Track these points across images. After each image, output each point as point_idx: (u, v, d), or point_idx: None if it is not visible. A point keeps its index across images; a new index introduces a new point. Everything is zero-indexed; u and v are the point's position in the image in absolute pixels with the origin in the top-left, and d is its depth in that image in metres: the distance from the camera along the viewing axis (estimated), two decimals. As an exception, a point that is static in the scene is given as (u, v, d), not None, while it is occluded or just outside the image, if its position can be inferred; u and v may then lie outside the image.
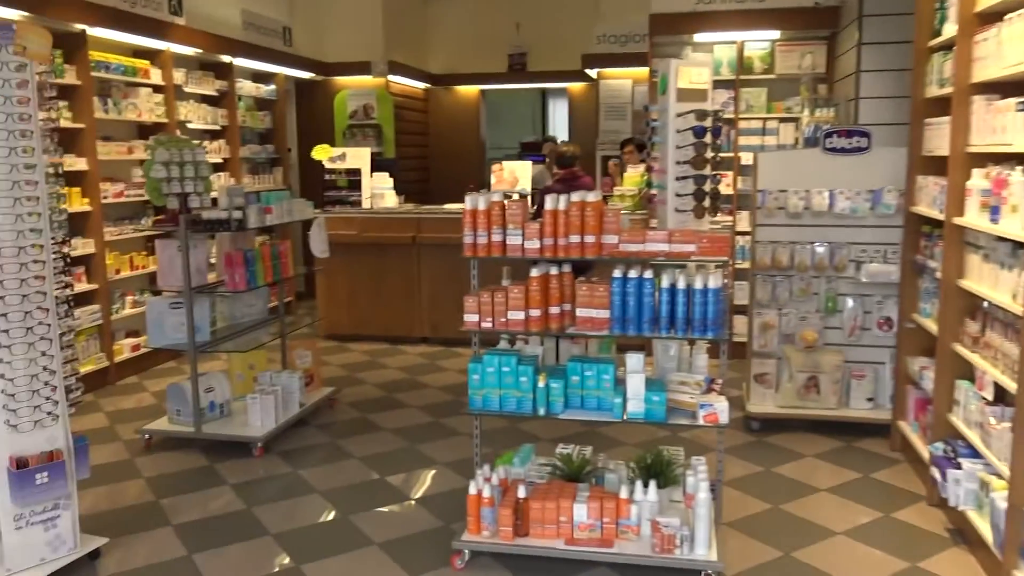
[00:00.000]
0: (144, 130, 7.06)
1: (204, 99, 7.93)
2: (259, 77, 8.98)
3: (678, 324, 3.32)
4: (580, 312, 3.45)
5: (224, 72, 8.04)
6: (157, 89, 7.01)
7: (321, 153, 7.92)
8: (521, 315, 3.43)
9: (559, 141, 10.02)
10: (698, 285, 3.27)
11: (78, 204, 6.06)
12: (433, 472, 4.64)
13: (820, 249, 5.17)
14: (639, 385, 3.37)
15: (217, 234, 5.15)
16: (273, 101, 9.02)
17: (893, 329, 5.09)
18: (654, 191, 3.98)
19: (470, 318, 3.48)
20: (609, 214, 3.37)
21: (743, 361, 5.44)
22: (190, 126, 7.51)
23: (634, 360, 3.43)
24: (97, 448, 4.99)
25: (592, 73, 9.78)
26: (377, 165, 8.06)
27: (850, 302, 5.20)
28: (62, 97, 6.05)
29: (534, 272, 3.41)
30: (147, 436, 5.02)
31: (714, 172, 3.74)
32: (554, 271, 3.45)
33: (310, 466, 4.72)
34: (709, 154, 3.70)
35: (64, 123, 5.97)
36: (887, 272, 5.03)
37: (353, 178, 7.97)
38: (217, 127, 7.97)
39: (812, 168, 5.15)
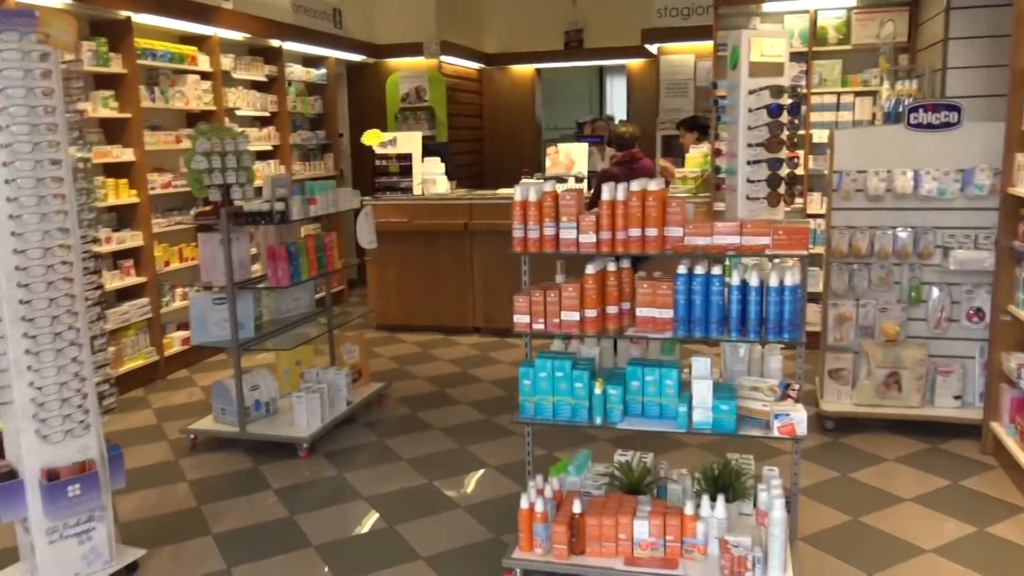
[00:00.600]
0: (192, 118, 6.94)
1: (253, 85, 7.79)
2: (309, 61, 8.81)
3: (750, 325, 2.99)
4: (641, 312, 3.15)
5: (273, 57, 7.89)
6: (205, 76, 6.87)
7: (371, 138, 7.72)
8: (576, 316, 3.14)
9: (610, 119, 9.63)
10: (773, 282, 2.93)
11: (125, 195, 5.97)
12: (484, 475, 4.41)
13: (903, 234, 4.75)
14: (706, 392, 3.05)
15: (261, 226, 5.00)
16: (323, 85, 8.85)
17: (984, 321, 4.65)
18: (722, 176, 3.62)
19: (520, 319, 3.21)
20: (673, 204, 3.05)
21: (815, 352, 5.05)
22: (239, 113, 7.37)
23: (700, 364, 3.12)
24: (142, 448, 4.90)
25: (652, 48, 9.35)
26: (428, 150, 7.81)
27: (936, 291, 4.77)
28: (108, 86, 5.95)
29: (590, 269, 3.12)
30: (192, 436, 4.90)
31: (791, 155, 3.38)
32: (612, 267, 3.15)
33: (356, 468, 4.53)
34: (785, 135, 3.33)
35: (110, 113, 5.88)
36: (979, 259, 4.59)
37: (404, 163, 7.74)
38: (267, 113, 7.83)
39: (894, 146, 4.72)
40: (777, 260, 3.10)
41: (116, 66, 5.89)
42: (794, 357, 3.23)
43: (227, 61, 7.14)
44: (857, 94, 6.39)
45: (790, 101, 3.33)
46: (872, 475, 4.25)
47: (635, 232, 3.01)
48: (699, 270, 3.01)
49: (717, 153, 3.74)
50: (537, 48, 10.99)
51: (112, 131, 6.02)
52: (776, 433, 3.01)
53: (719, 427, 3.05)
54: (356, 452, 4.77)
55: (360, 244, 5.49)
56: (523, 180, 7.46)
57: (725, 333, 3.04)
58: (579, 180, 7.20)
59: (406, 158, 7.71)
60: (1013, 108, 4.11)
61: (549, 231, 3.11)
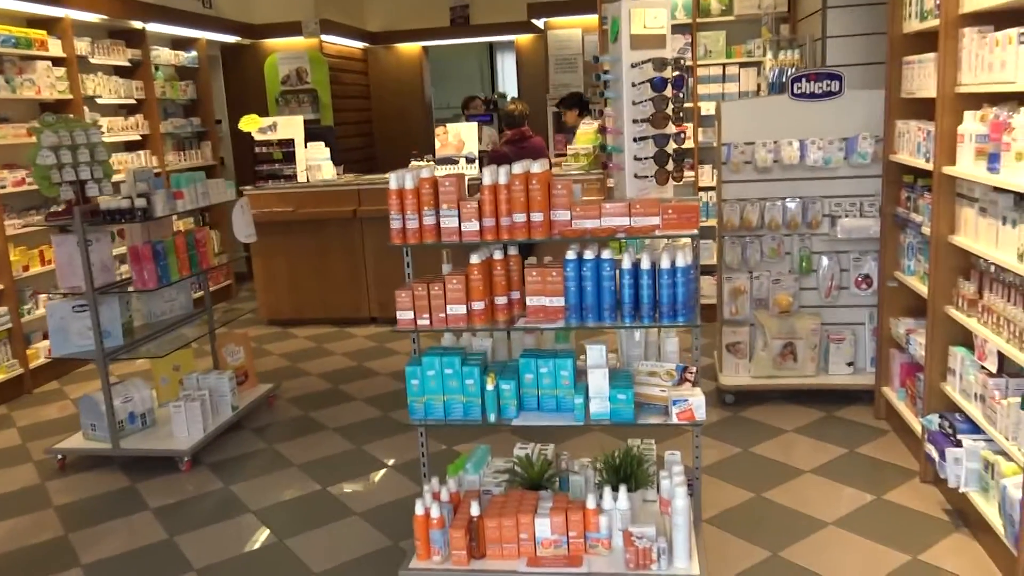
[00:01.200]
0: (47, 108, 6.38)
1: (116, 71, 7.23)
2: (178, 44, 8.26)
3: (643, 309, 2.87)
4: (531, 301, 2.98)
5: (136, 40, 7.33)
6: (58, 62, 6.30)
7: (249, 124, 7.31)
8: (463, 309, 2.95)
9: (501, 97, 9.44)
10: (664, 264, 2.82)
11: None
12: (382, 477, 4.20)
13: (792, 205, 4.75)
14: (601, 382, 2.92)
15: (124, 225, 4.60)
16: (195, 69, 8.32)
17: (872, 287, 4.71)
18: (609, 154, 3.48)
19: (404, 315, 3.00)
20: (559, 186, 2.89)
21: (712, 326, 5.02)
22: (100, 101, 6.82)
23: (595, 352, 2.98)
24: (4, 473, 4.46)
25: (539, 23, 9.19)
26: (312, 134, 7.44)
27: (825, 261, 4.81)
28: (-59, 76, 5.37)
29: (474, 258, 2.93)
30: (60, 456, 4.49)
31: (677, 130, 3.27)
32: (498, 255, 2.98)
33: (244, 479, 4.24)
34: (671, 109, 3.22)
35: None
36: (865, 227, 4.64)
37: (287, 150, 7.36)
38: (132, 101, 7.29)
39: (780, 117, 4.70)
40: (669, 240, 2.99)
41: (-52, 52, 5.32)
42: (691, 349, 3.14)
43: (83, 45, 6.58)
44: (742, 65, 6.40)
45: (674, 74, 3.21)
46: (772, 448, 4.25)
47: (520, 218, 2.84)
48: (589, 255, 2.87)
49: (603, 130, 3.59)
50: (423, 25, 10.67)
51: (-49, 125, 5.45)
52: (675, 420, 2.90)
53: (617, 417, 2.93)
54: (244, 461, 4.47)
55: (237, 238, 5.14)
56: (412, 163, 7.22)
57: (619, 319, 2.91)
58: (470, 161, 7.00)
59: (288, 144, 7.33)
60: (891, 75, 4.13)
61: (429, 220, 2.91)
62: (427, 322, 2.99)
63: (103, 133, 4.44)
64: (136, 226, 4.76)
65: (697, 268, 2.93)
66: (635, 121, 3.17)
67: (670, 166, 3.30)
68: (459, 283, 2.93)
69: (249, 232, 5.12)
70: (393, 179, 2.91)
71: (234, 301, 8.32)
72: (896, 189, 4.24)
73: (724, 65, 6.42)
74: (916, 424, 3.92)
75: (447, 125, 7.13)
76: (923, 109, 3.89)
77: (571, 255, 2.88)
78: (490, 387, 2.98)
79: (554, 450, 3.51)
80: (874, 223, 4.57)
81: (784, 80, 4.91)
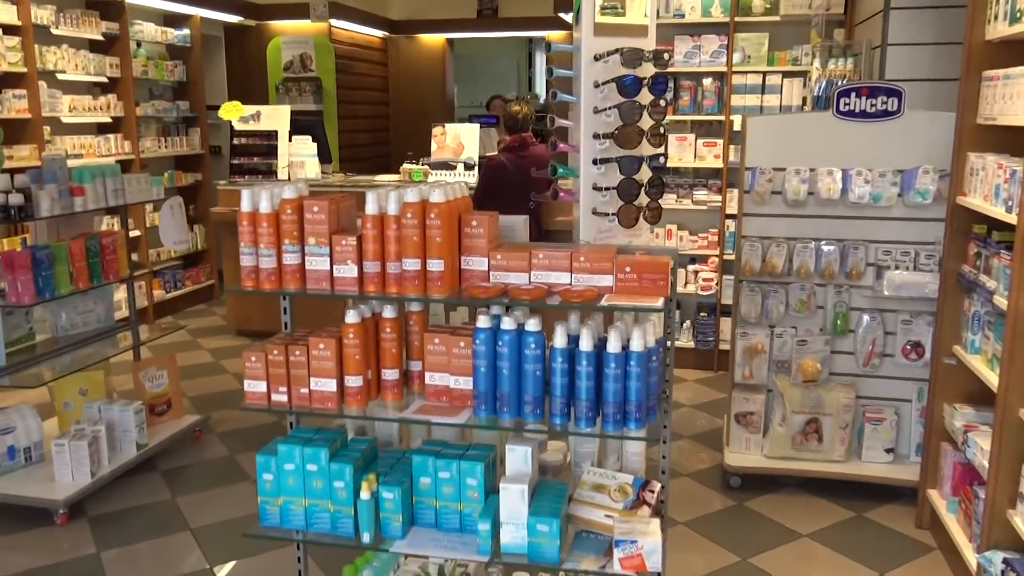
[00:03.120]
0: (0, 82, 5.72)
1: (88, 45, 6.55)
2: (171, 20, 7.58)
3: (580, 408, 2.00)
4: (431, 379, 2.14)
5: (115, 12, 6.65)
6: (10, 30, 5.63)
7: (230, 112, 6.58)
8: (332, 384, 2.12)
9: (510, 99, 8.57)
10: (612, 346, 1.94)
11: None
12: (280, 558, 3.38)
13: (828, 249, 3.82)
14: (518, 504, 2.06)
15: (34, 223, 3.89)
16: (187, 48, 7.62)
17: (924, 358, 3.76)
18: (564, 180, 2.57)
19: (253, 387, 2.17)
20: (474, 222, 2.04)
21: (722, 376, 4.09)
22: (63, 77, 6.14)
23: (516, 457, 2.12)
24: None
25: (567, 18, 8.31)
26: (298, 127, 6.68)
27: (866, 320, 3.86)
28: None
29: (351, 316, 2.09)
30: (-80, 493, 3.77)
31: (656, 152, 2.39)
32: (388, 313, 2.13)
33: (121, 543, 3.47)
34: (646, 123, 2.34)
35: None
36: (919, 283, 3.68)
37: (270, 142, 6.62)
38: (104, 79, 6.60)
39: (821, 139, 3.78)
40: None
41: None
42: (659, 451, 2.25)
43: (44, 14, 5.90)
44: (785, 74, 5.45)
45: (653, 73, 2.33)
46: (781, 561, 3.33)
47: (412, 264, 1.99)
48: (508, 323, 2.01)
49: (554, 147, 2.71)
50: (448, 15, 9.86)
51: None
52: (617, 569, 2.02)
53: (536, 556, 2.06)
54: (132, 517, 3.70)
55: (164, 244, 4.39)
56: (404, 166, 6.42)
57: (544, 418, 2.04)
58: (469, 167, 6.17)
59: (271, 136, 6.59)
60: (966, 93, 3.18)
61: (291, 258, 2.07)
62: (284, 398, 2.16)
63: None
64: (42, 225, 4.06)
65: (665, 353, 2.05)
66: (595, 136, 2.30)
67: (642, 201, 2.41)
68: (327, 348, 2.10)
69: (178, 238, 4.37)
70: (245, 197, 2.08)
71: (215, 304, 7.61)
72: (963, 241, 3.29)
73: (765, 73, 5.47)
74: (970, 556, 2.97)
75: (445, 125, 6.32)
76: (1007, 140, 2.96)
77: (483, 322, 2.03)
78: (364, 495, 2.13)
79: (479, 567, 2.65)
80: (931, 280, 3.62)
81: (830, 94, 3.98)
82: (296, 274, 2.08)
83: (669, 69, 5.49)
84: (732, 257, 5.18)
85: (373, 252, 2.02)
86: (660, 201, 2.44)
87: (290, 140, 6.56)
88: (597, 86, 2.26)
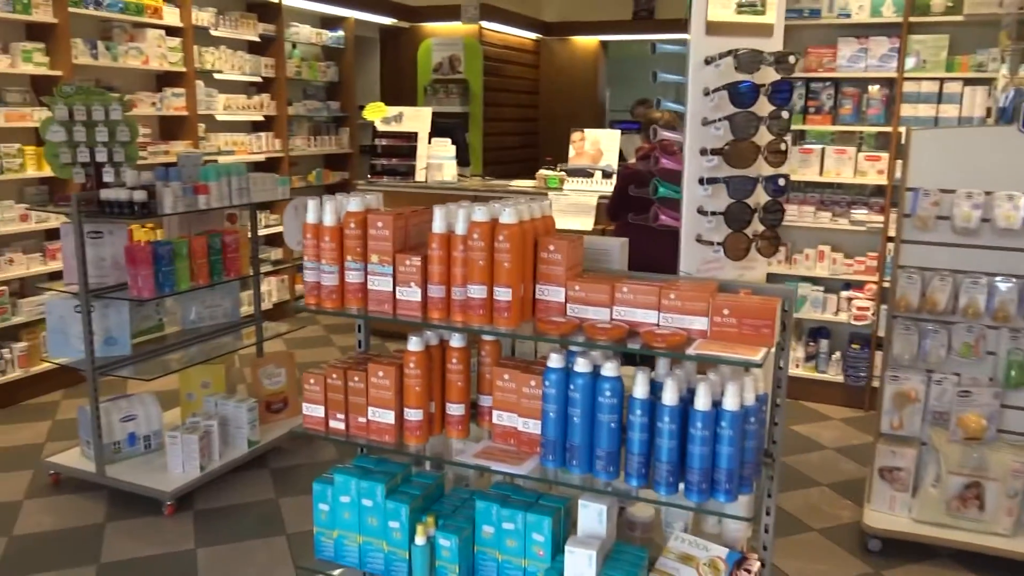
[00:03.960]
0: (161, 80, 6.04)
1: (244, 46, 6.80)
2: (328, 22, 7.78)
3: (660, 469, 1.71)
4: (498, 418, 1.91)
5: (272, 14, 6.87)
6: (173, 32, 5.92)
7: (373, 112, 6.64)
8: (390, 416, 1.94)
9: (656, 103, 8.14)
10: (700, 403, 1.64)
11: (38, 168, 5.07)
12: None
13: (1004, 288, 3.27)
14: (585, 572, 1.79)
15: (166, 218, 4.01)
16: (340, 50, 7.79)
17: (1121, 423, 3.14)
18: (662, 197, 2.24)
19: (312, 411, 2.03)
20: (552, 246, 1.79)
21: (874, 417, 3.61)
22: (219, 76, 6.41)
23: (589, 516, 1.86)
24: (0, 479, 4.01)
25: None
26: (439, 129, 6.65)
27: (1049, 372, 3.28)
28: (38, 38, 5.07)
29: (413, 343, 1.90)
30: (52, 471, 3.96)
31: (775, 173, 2.04)
32: (456, 342, 1.93)
33: (219, 541, 3.47)
34: (763, 138, 2.00)
35: (36, 69, 4.99)
36: (1119, 334, 3.08)
37: (412, 144, 6.62)
38: (258, 78, 6.84)
39: (1001, 157, 3.25)
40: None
41: (42, 14, 4.98)
42: (757, 517, 1.92)
43: (205, 16, 6.17)
44: (967, 82, 4.80)
45: (776, 79, 1.98)
46: (918, 645, 2.86)
47: (477, 292, 1.77)
48: (583, 366, 1.75)
49: (654, 160, 2.36)
50: (602, 17, 9.58)
51: (44, 90, 5.14)
52: (693, 663, 1.72)
53: (602, 633, 1.79)
54: (235, 515, 3.71)
55: (288, 243, 4.40)
56: (541, 171, 6.23)
57: (619, 476, 1.77)
58: (607, 176, 5.90)
59: (411, 137, 6.59)
60: None
61: (354, 276, 1.91)
62: (341, 426, 2.00)
63: (124, 109, 3.81)
64: (172, 221, 4.17)
65: (765, 411, 1.72)
66: (702, 152, 1.98)
67: (754, 229, 2.07)
68: (386, 377, 1.92)
69: (301, 238, 4.36)
70: (311, 208, 1.94)
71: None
72: None
73: (942, 80, 4.85)
74: None
75: (585, 131, 6.07)
76: None
77: (555, 361, 1.78)
78: (420, 540, 1.94)
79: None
80: None
81: (1017, 104, 3.41)
82: (359, 293, 1.91)
83: (829, 74, 5.02)
84: (884, 282, 4.62)
85: (439, 275, 1.82)
86: (779, 229, 2.09)
87: (430, 142, 6.53)
88: (707, 94, 1.95)
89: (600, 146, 6.03)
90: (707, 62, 1.93)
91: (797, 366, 5.21)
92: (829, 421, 4.97)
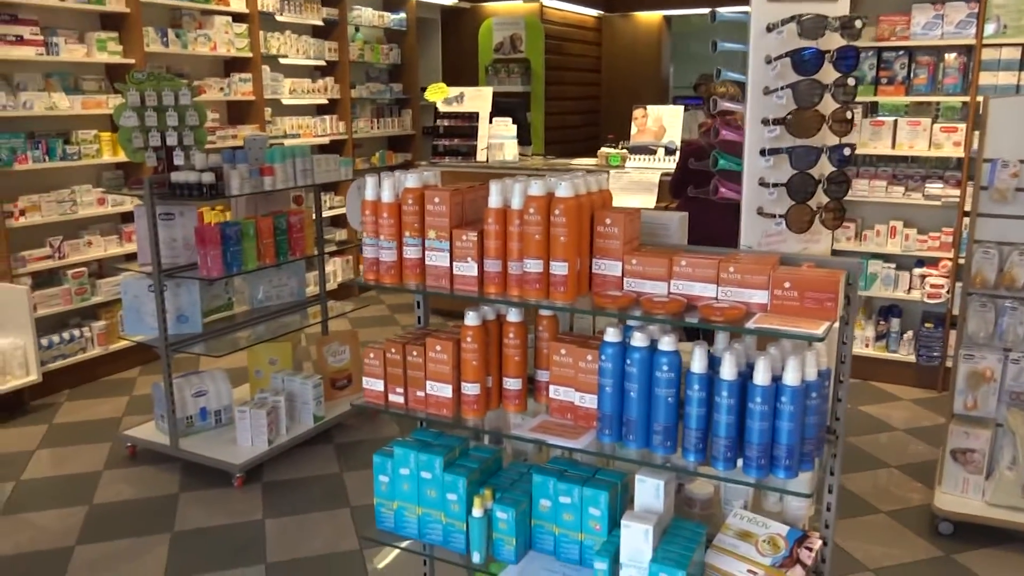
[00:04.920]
0: (228, 66, 6.18)
1: (309, 30, 6.90)
2: (389, 4, 7.83)
3: (718, 445, 1.69)
4: (555, 393, 1.92)
5: (334, -2, 6.96)
6: (239, 18, 6.04)
7: (435, 93, 6.68)
8: (447, 391, 1.96)
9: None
10: (760, 378, 1.62)
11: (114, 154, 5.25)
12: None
13: (1088, 261, 3.12)
14: (641, 544, 1.79)
15: (234, 199, 4.12)
16: (402, 32, 7.84)
17: None
18: (726, 170, 2.19)
19: (372, 385, 2.06)
20: (609, 219, 1.78)
21: (947, 398, 3.50)
22: (285, 61, 6.52)
23: (647, 491, 1.85)
24: (80, 450, 4.20)
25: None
26: (500, 108, 6.64)
27: None
28: (112, 28, 5.23)
29: (471, 318, 1.91)
30: (129, 444, 4.13)
31: (841, 143, 1.97)
32: (513, 317, 1.93)
33: (285, 512, 3.58)
34: (827, 107, 1.93)
35: (110, 58, 5.16)
36: None
37: (473, 124, 6.64)
38: (322, 62, 6.93)
39: (1086, 126, 3.09)
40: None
41: (115, 4, 5.14)
42: (822, 490, 1.88)
43: (271, 2, 6.27)
44: (1053, 48, 4.58)
45: (842, 44, 1.91)
46: (991, 631, 2.78)
47: (533, 266, 1.77)
48: (640, 339, 1.74)
49: (713, 133, 2.31)
50: (666, -8, 9.43)
51: (116, 78, 5.31)
52: (751, 639, 1.70)
53: (658, 607, 1.79)
54: (302, 487, 3.82)
55: (351, 224, 4.47)
56: (602, 149, 6.18)
57: (676, 452, 1.75)
58: (670, 152, 5.81)
59: (474, 117, 6.60)
60: None
61: (412, 252, 1.93)
62: (401, 400, 2.03)
63: (193, 94, 3.91)
64: (241, 202, 4.28)
65: (828, 387, 1.69)
66: (764, 122, 1.93)
67: (818, 201, 2.01)
68: (444, 351, 1.94)
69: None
70: (369, 185, 1.96)
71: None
72: None
73: (1025, 47, 4.63)
74: None
75: (647, 107, 5.99)
76: None
77: (611, 335, 1.77)
78: (477, 512, 1.96)
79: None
80: None
81: (1106, 70, 3.24)
82: (416, 269, 1.93)
83: (902, 43, 4.83)
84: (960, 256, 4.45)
85: (495, 249, 1.82)
86: (844, 201, 2.02)
87: (491, 122, 6.53)
88: (768, 62, 1.89)
89: (663, 122, 5.94)
90: (769, 29, 1.87)
91: (867, 346, 5.07)
92: (900, 402, 4.83)
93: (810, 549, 1.84)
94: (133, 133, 3.76)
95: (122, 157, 5.11)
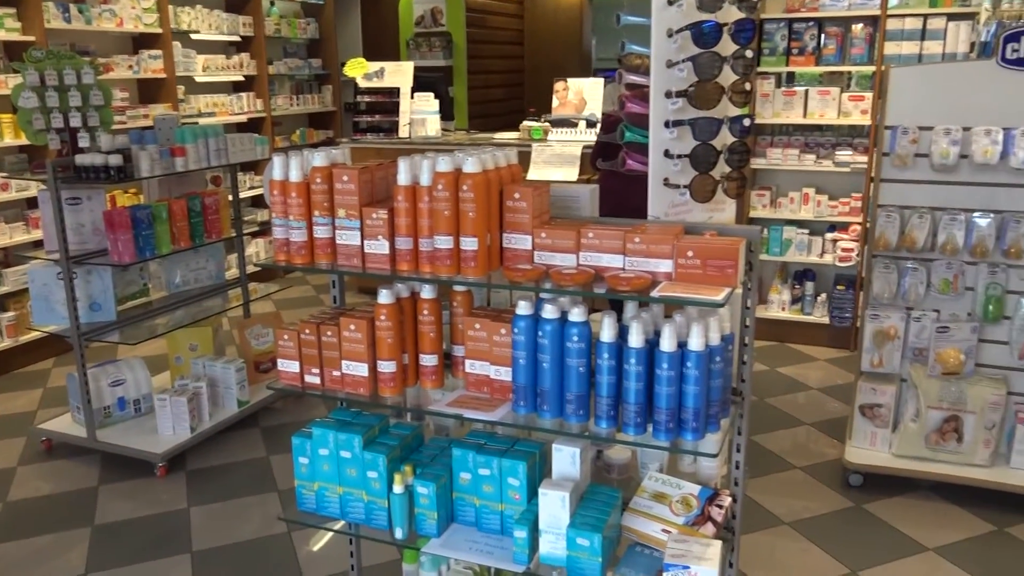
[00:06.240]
0: (137, 43, 5.95)
1: (225, 5, 6.70)
2: (305, -23, 7.66)
3: (628, 411, 1.74)
4: (471, 367, 1.93)
5: (248, -29, 6.76)
6: (146, -8, 5.83)
7: (355, 69, 6.55)
8: (364, 369, 1.96)
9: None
10: (666, 344, 1.66)
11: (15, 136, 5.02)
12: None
13: (983, 223, 3.29)
14: (559, 511, 1.83)
15: (146, 182, 4.00)
16: (320, 6, 7.67)
17: (1097, 354, 3.18)
18: (627, 145, 2.24)
19: (287, 367, 2.05)
20: (518, 194, 1.80)
21: (854, 356, 3.65)
22: (196, 37, 6.32)
23: (563, 459, 1.89)
24: (-14, 447, 4.05)
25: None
26: (420, 83, 6.57)
27: (1026, 306, 3.31)
28: (8, 3, 4.98)
29: (384, 296, 1.91)
30: (44, 438, 4.00)
31: (740, 114, 2.03)
32: (427, 293, 1.94)
33: (211, 499, 3.53)
34: (726, 78, 1.98)
35: (8, 35, 4.92)
36: (1094, 266, 3.10)
37: (394, 100, 6.55)
38: (237, 38, 6.74)
39: (979, 93, 3.24)
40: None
41: (9, -23, 4.90)
42: (730, 431, 1.95)
43: (179, -26, 6.06)
44: (951, 17, 4.75)
45: (740, 18, 1.96)
46: None
47: (444, 242, 1.78)
48: (551, 312, 1.76)
49: (619, 104, 2.38)
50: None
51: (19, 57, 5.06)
52: (664, 596, 1.76)
53: (576, 571, 1.83)
54: (227, 473, 3.77)
55: (268, 204, 4.39)
56: (525, 123, 6.18)
57: (590, 419, 1.80)
58: (591, 125, 5.85)
59: (395, 93, 6.52)
60: None
61: (323, 232, 1.91)
62: (317, 380, 2.02)
63: (97, 72, 3.76)
64: (153, 185, 4.16)
65: (731, 351, 1.75)
66: (668, 95, 1.97)
67: (720, 171, 2.07)
68: (358, 330, 1.93)
69: (282, 198, 4.34)
70: (277, 165, 1.93)
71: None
72: None
73: (926, 16, 4.80)
74: None
75: (568, 80, 6.01)
76: None
77: (523, 308, 1.79)
78: (398, 488, 1.98)
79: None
80: (1111, 262, 3.03)
81: (997, 38, 3.38)
82: (328, 248, 1.91)
83: (811, 14, 4.96)
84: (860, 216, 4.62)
85: (406, 227, 1.82)
86: (745, 170, 2.09)
87: (412, 97, 6.46)
88: (670, 35, 1.93)
89: (583, 95, 5.98)
90: (670, 2, 1.90)
91: (783, 309, 5.24)
92: (815, 362, 5.02)
93: (720, 507, 1.91)
94: (33, 115, 3.61)
95: (25, 140, 4.89)
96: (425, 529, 2.00)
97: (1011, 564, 2.98)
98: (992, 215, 3.28)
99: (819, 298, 5.21)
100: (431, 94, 6.52)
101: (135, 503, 3.51)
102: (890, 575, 2.93)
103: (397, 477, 1.97)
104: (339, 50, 7.92)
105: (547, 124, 6.00)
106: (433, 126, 6.43)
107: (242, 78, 6.80)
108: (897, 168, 3.40)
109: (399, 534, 2.01)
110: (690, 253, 1.68)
